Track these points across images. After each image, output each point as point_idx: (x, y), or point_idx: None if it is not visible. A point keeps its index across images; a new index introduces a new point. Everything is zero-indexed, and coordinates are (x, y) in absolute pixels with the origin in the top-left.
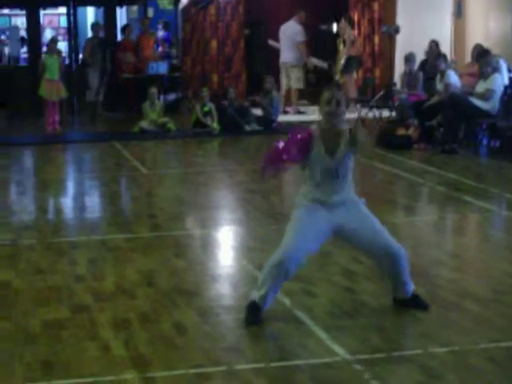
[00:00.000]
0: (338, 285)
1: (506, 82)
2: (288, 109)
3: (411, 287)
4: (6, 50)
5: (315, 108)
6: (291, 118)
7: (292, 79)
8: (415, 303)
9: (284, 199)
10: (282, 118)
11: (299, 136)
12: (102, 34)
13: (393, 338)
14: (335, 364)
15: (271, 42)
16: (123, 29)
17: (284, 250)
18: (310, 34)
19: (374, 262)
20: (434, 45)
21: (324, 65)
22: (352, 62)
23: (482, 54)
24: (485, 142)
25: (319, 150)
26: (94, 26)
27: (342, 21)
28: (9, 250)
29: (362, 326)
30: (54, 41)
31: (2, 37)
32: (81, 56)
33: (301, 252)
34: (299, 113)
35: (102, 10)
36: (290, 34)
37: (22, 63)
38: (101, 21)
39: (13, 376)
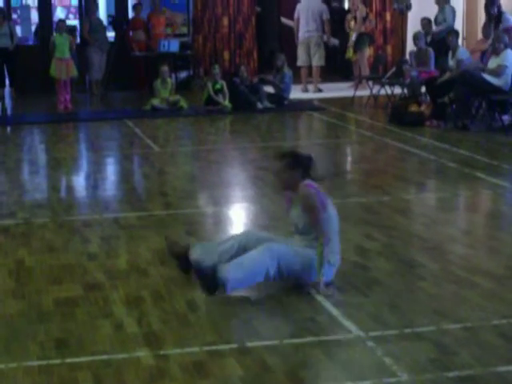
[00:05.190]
0: (351, 262)
1: None
2: (309, 86)
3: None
4: (18, 30)
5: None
6: (310, 96)
7: (315, 56)
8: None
9: None
10: (301, 95)
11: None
12: (97, 13)
13: (405, 314)
14: (348, 341)
15: (284, 20)
16: (134, 7)
17: None
18: None
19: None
20: (426, 22)
21: (335, 42)
22: (363, 39)
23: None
24: (497, 118)
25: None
26: (90, 3)
27: None
28: (22, 229)
29: (374, 302)
30: (63, 20)
31: (14, 16)
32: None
33: None
34: (319, 91)
35: None
36: (316, 10)
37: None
38: None
39: (27, 354)
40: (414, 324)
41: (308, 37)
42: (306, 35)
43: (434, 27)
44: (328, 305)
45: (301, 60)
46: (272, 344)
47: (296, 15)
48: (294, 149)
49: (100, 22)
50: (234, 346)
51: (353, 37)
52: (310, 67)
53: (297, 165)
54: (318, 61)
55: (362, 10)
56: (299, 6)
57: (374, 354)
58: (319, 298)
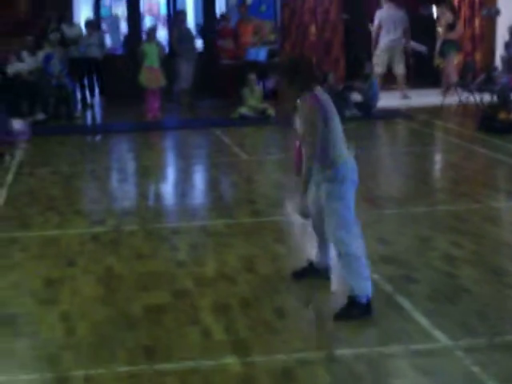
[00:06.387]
0: (439, 270)
1: None
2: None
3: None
4: (108, 40)
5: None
6: (398, 103)
7: (400, 65)
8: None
9: (381, 184)
10: (388, 103)
11: None
12: (186, 23)
13: (494, 323)
14: (436, 350)
15: (370, 26)
16: (222, 16)
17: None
18: (410, 18)
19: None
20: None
21: (422, 48)
22: (449, 46)
23: None
24: None
25: None
26: (179, 14)
27: (442, 4)
28: (111, 236)
29: (462, 311)
30: (152, 29)
31: (103, 26)
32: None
33: None
34: (406, 97)
35: None
36: (399, 19)
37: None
38: (200, 8)
39: (115, 360)
40: (503, 333)
41: (392, 45)
42: (389, 44)
43: None
44: (417, 314)
45: (381, 67)
46: (360, 352)
47: (376, 22)
48: (293, 58)
49: (188, 31)
50: (322, 353)
51: (438, 43)
52: (388, 74)
53: (296, 78)
54: (402, 69)
55: (448, 17)
56: (380, 14)
57: (463, 363)
58: (409, 307)
